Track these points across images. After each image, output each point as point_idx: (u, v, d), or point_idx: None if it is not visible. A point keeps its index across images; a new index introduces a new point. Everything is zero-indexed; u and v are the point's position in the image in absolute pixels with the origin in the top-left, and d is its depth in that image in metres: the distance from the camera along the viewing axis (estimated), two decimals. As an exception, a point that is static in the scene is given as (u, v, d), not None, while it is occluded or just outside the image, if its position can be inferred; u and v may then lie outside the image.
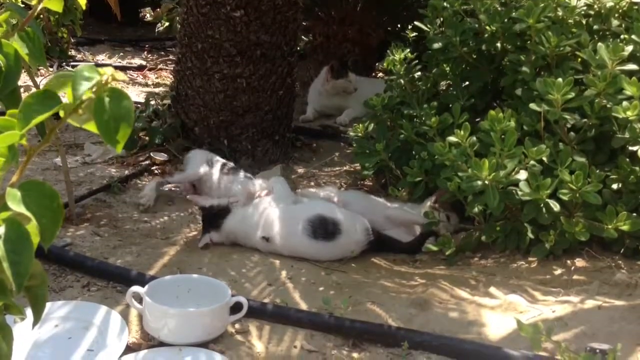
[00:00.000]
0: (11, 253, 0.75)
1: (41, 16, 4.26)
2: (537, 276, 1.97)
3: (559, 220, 2.03)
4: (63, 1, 1.15)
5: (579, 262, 2.00)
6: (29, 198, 0.79)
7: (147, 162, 3.02)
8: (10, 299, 0.76)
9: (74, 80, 0.80)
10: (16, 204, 0.77)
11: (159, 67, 5.05)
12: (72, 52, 5.21)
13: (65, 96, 0.84)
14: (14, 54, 1.10)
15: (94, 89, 0.83)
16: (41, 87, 2.07)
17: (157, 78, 4.84)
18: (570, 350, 1.20)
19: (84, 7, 1.27)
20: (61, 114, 0.85)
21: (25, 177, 2.58)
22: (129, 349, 1.61)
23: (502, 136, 2.07)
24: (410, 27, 3.03)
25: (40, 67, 1.36)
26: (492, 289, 1.89)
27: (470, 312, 1.79)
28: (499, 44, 2.45)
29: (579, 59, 2.29)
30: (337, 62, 3.99)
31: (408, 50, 2.74)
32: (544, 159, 2.05)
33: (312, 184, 2.91)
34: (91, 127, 0.86)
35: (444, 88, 2.91)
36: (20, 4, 1.28)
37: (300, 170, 3.12)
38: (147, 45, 5.81)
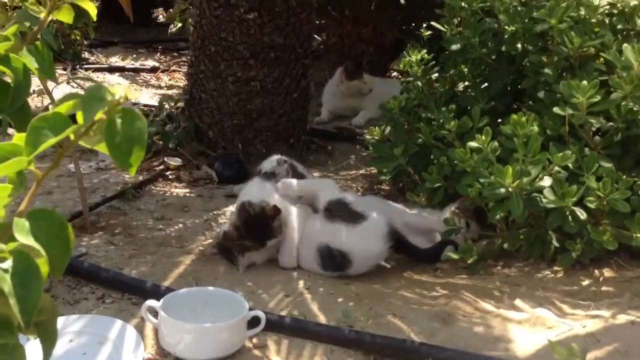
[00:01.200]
0: (19, 288, 0.70)
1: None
2: (563, 287, 1.91)
3: (586, 229, 1.96)
4: (73, 12, 1.11)
5: (607, 272, 1.93)
6: (38, 228, 0.74)
7: (161, 167, 2.99)
8: (16, 337, 0.71)
9: (84, 101, 0.76)
10: (24, 236, 0.73)
11: (172, 68, 5.02)
12: (86, 55, 5.19)
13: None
14: (23, 69, 1.06)
15: (105, 110, 0.79)
16: (53, 92, 2.01)
17: (170, 80, 4.81)
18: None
19: (94, 19, 1.23)
20: (71, 136, 0.81)
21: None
22: (145, 365, 1.57)
23: (525, 141, 2.01)
24: (425, 25, 2.97)
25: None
26: (518, 302, 1.83)
27: (496, 326, 1.73)
28: (519, 45, 2.38)
29: (602, 60, 2.22)
30: (351, 62, 3.94)
31: (425, 51, 2.68)
32: (570, 165, 1.98)
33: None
34: (102, 148, 0.82)
35: (461, 90, 2.85)
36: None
37: (316, 174, 3.06)
38: (160, 47, 5.78)
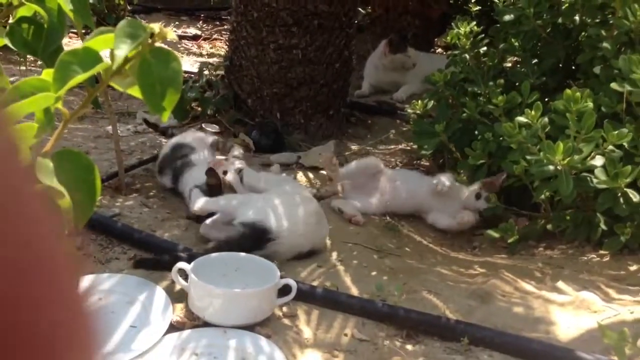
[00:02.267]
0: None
1: (98, -18, 4.24)
2: (610, 271, 1.82)
3: (637, 212, 1.86)
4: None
5: (658, 259, 1.83)
6: (62, 170, 0.70)
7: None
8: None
9: (116, 37, 0.71)
10: (48, 177, 0.68)
11: (214, 37, 4.98)
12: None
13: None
14: (57, 10, 1.02)
15: (139, 48, 0.74)
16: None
17: (211, 48, 4.77)
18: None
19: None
20: (103, 75, 0.76)
21: (76, 144, 2.52)
22: (173, 327, 1.54)
23: (578, 117, 1.91)
24: (473, 0, 2.85)
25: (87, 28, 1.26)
26: (561, 284, 1.75)
27: (536, 307, 1.65)
28: (577, 17, 2.26)
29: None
30: (396, 35, 3.83)
31: (474, 23, 2.57)
32: (625, 144, 1.87)
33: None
34: (135, 92, 0.77)
35: (510, 65, 2.74)
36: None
37: (354, 147, 3.00)
38: (202, 15, 5.74)
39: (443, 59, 3.02)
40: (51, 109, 0.75)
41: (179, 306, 1.64)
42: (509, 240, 2.05)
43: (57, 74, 0.71)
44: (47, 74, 0.73)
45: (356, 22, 3.19)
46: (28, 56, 1.26)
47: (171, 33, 0.76)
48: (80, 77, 0.70)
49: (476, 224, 2.24)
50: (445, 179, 2.26)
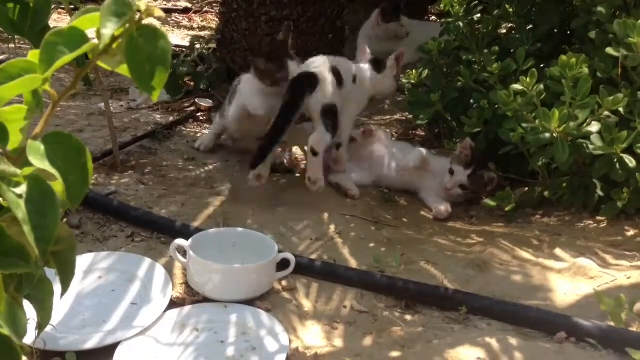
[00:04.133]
0: (34, 215, 0.66)
1: (85, -44, 4.17)
2: (607, 237, 1.82)
3: (634, 177, 1.86)
4: None
5: (655, 223, 1.84)
6: (54, 152, 0.69)
7: (192, 108, 2.94)
8: (34, 268, 0.67)
9: (102, 15, 0.69)
10: (39, 160, 0.68)
11: (205, 10, 4.92)
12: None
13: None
14: (42, -11, 1.00)
15: (126, 26, 0.72)
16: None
17: (202, 21, 4.72)
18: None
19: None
20: (90, 55, 0.75)
21: (69, 122, 2.50)
22: (173, 303, 1.55)
23: (574, 83, 1.89)
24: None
25: (74, 6, 1.25)
26: (558, 251, 1.75)
27: (534, 275, 1.66)
28: (571, -18, 2.23)
29: (661, -1, 2.06)
30: (388, 4, 3.77)
31: (468, -11, 2.54)
32: (621, 109, 1.86)
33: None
34: (124, 70, 0.76)
35: (505, 32, 2.71)
36: None
37: (350, 119, 2.98)
38: (192, -13, 5.66)
39: (437, 27, 2.99)
40: (39, 90, 0.74)
41: (179, 282, 1.64)
42: (506, 209, 2.05)
43: (43, 55, 0.69)
44: (34, 55, 0.71)
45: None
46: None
47: (158, 10, 0.74)
48: (67, 58, 0.69)
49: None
50: (416, 154, 2.25)
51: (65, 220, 1.86)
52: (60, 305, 1.49)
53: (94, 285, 1.61)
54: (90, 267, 1.66)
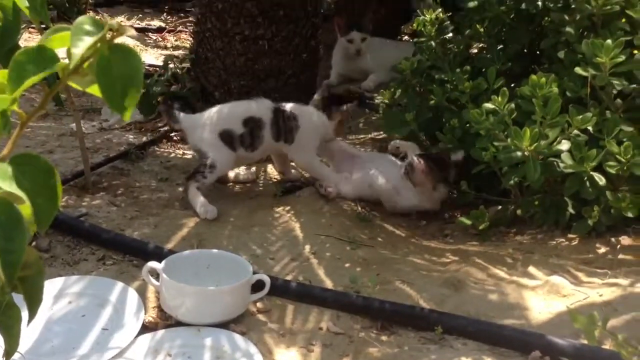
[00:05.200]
0: (1, 239, 0.64)
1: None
2: (579, 255, 1.84)
3: (604, 195, 1.88)
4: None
5: (625, 240, 1.86)
6: (22, 174, 0.67)
7: (165, 128, 2.92)
8: (1, 294, 0.65)
9: (72, 34, 0.68)
10: (7, 182, 0.66)
11: (179, 29, 4.91)
12: (90, 14, 5.08)
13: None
14: (12, 7, 0.98)
15: (97, 45, 0.71)
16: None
17: (176, 40, 4.70)
18: (630, 344, 1.08)
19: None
20: (60, 74, 0.73)
21: (40, 143, 2.46)
22: (145, 328, 1.52)
23: (544, 102, 1.92)
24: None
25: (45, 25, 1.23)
26: (532, 269, 1.77)
27: (508, 293, 1.66)
28: (540, 3, 2.28)
29: (624, 20, 2.11)
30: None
31: (439, 10, 2.58)
32: (590, 128, 1.90)
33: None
34: (95, 90, 0.75)
35: (476, 51, 2.75)
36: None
37: (324, 138, 2.98)
38: (166, 7, 5.65)
39: (410, 47, 3.02)
40: (7, 111, 0.72)
41: (152, 306, 1.61)
42: (480, 227, 2.06)
43: (12, 75, 0.68)
44: (2, 75, 0.70)
45: (322, 11, 3.17)
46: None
47: (130, 29, 0.73)
48: (36, 78, 0.68)
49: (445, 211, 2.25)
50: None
51: (33, 243, 1.82)
52: (29, 332, 1.45)
53: (64, 311, 1.58)
54: (61, 292, 1.62)
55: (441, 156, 2.26)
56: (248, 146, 2.27)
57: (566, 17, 2.15)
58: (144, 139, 2.78)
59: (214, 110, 2.32)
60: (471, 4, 2.40)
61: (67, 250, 1.86)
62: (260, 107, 2.31)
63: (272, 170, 2.56)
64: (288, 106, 2.36)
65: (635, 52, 1.97)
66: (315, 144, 2.35)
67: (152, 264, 1.61)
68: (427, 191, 2.23)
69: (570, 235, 1.95)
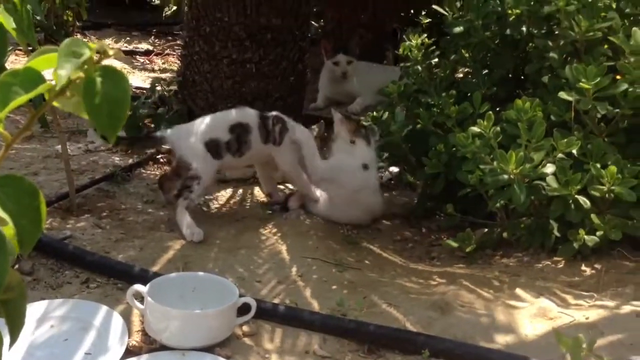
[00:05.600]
0: (-18, 261, 0.63)
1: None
2: (565, 278, 1.84)
3: (589, 218, 1.90)
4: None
5: (610, 263, 1.87)
6: (6, 195, 0.67)
7: (152, 150, 2.91)
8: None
9: (59, 56, 0.68)
10: (-11, 203, 0.65)
11: (166, 52, 4.93)
12: (78, 36, 5.08)
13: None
14: (-2, 29, 0.98)
15: (84, 67, 0.71)
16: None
17: (163, 63, 4.72)
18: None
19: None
20: (46, 96, 0.73)
21: (24, 164, 2.44)
22: (129, 352, 1.49)
23: (528, 126, 1.94)
24: (424, 12, 2.89)
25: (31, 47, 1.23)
26: (518, 291, 1.77)
27: (495, 316, 1.66)
28: (524, 29, 2.31)
29: (607, 46, 2.15)
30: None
31: (425, 35, 2.61)
32: (574, 151, 1.92)
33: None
34: (82, 112, 0.74)
35: (462, 76, 2.78)
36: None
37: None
38: (154, 30, 5.68)
39: (397, 71, 3.05)
40: (-9, 132, 0.71)
41: (136, 330, 1.59)
42: (467, 250, 2.07)
43: (-3, 96, 0.67)
44: (-13, 96, 0.69)
45: (309, 35, 3.20)
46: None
47: (118, 51, 0.73)
48: (22, 99, 0.67)
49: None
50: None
51: (16, 266, 1.79)
52: (10, 356, 1.42)
53: (47, 335, 1.55)
54: (43, 316, 1.60)
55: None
56: (235, 152, 2.28)
57: (550, 43, 2.19)
58: (130, 161, 2.77)
59: (199, 121, 2.33)
60: (457, 30, 2.43)
61: (50, 273, 1.84)
62: (246, 114, 2.34)
63: (258, 192, 2.56)
64: (273, 113, 2.40)
65: (618, 77, 2.00)
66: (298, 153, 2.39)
67: (137, 286, 1.59)
68: None
69: (556, 258, 1.96)
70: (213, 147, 2.26)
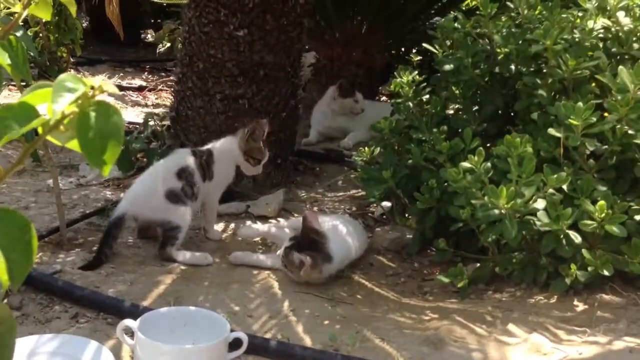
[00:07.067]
0: (-28, 294, 0.63)
1: (40, 34, 4.19)
2: (557, 313, 1.84)
3: (580, 253, 1.90)
4: (50, 8, 1.05)
5: (602, 299, 1.87)
6: (-3, 229, 0.67)
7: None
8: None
9: (54, 91, 0.69)
10: (-19, 237, 0.65)
11: (159, 87, 4.97)
12: (72, 72, 5.12)
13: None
14: (-6, 64, 0.99)
15: (78, 102, 0.72)
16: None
17: (157, 99, 4.75)
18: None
19: (74, 14, 1.17)
20: (40, 130, 0.74)
21: (15, 199, 2.44)
22: (118, 389, 1.47)
23: (519, 161, 1.96)
24: (415, 50, 2.94)
25: (25, 81, 1.25)
26: (511, 326, 1.76)
27: (489, 352, 1.65)
28: (513, 67, 2.35)
29: (595, 85, 2.19)
30: (346, 80, 3.91)
31: (416, 72, 2.65)
32: (564, 187, 1.93)
33: (316, 209, 2.79)
34: (75, 145, 0.75)
35: (452, 112, 2.81)
36: (5, 12, 1.17)
37: (303, 195, 3.01)
38: (147, 66, 5.74)
39: (388, 107, 3.09)
40: (-15, 166, 0.72)
41: (125, 366, 1.57)
42: (459, 285, 2.06)
43: (-8, 130, 0.68)
44: (-19, 130, 0.70)
45: (301, 72, 3.24)
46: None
47: (111, 86, 0.74)
48: (15, 133, 0.68)
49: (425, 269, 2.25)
50: None
51: (5, 300, 1.77)
52: (-4, 393, 1.39)
53: (35, 371, 1.52)
54: (33, 351, 1.57)
55: None
56: (191, 197, 2.28)
57: (538, 81, 2.22)
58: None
59: (146, 180, 2.30)
60: (447, 67, 2.47)
61: (39, 308, 1.82)
62: (183, 156, 2.33)
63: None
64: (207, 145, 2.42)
65: (606, 114, 2.03)
66: (228, 180, 2.42)
67: (127, 321, 1.58)
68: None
69: (548, 293, 1.96)
70: (173, 197, 2.23)
